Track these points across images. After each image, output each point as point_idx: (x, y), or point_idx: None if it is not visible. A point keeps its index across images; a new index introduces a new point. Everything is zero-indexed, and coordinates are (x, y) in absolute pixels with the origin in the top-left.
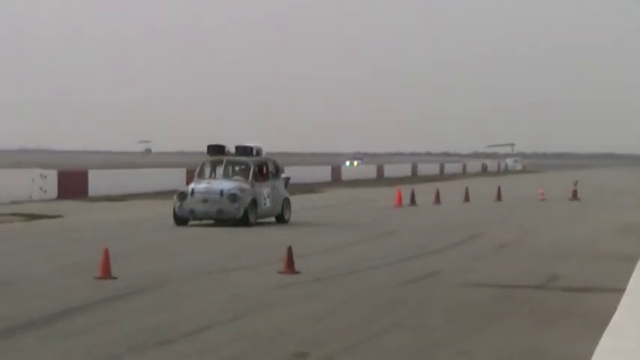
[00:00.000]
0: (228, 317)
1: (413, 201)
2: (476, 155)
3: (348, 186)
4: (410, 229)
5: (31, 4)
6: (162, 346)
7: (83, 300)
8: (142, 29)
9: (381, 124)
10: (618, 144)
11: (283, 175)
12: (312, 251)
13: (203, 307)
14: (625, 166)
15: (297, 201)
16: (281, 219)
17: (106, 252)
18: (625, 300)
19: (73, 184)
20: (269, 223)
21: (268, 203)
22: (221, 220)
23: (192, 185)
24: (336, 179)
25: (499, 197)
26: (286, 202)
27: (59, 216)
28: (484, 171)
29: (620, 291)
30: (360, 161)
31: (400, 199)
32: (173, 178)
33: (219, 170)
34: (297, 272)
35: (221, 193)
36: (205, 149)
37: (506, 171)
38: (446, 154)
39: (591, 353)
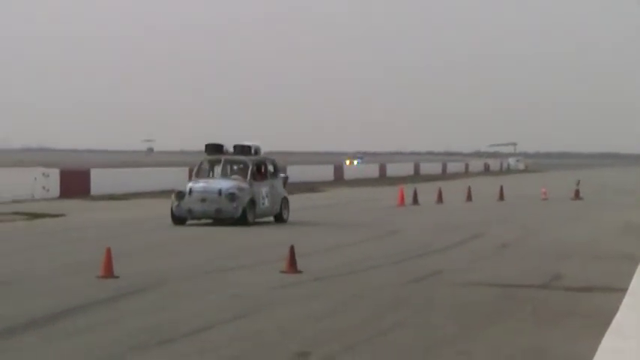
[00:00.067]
0: (230, 317)
1: (415, 200)
2: (478, 154)
3: (350, 185)
4: (412, 228)
5: (33, 4)
6: (163, 345)
7: (85, 299)
8: (145, 28)
9: (384, 123)
10: (621, 144)
11: (282, 175)
12: (313, 250)
13: (205, 307)
14: (627, 166)
15: (299, 200)
16: (279, 218)
17: (109, 251)
18: (627, 300)
19: (75, 183)
20: (268, 223)
21: (267, 203)
22: (219, 220)
23: (190, 184)
24: (339, 178)
25: (501, 197)
26: (285, 202)
27: (61, 215)
28: (486, 170)
29: (623, 290)
30: (359, 160)
31: (403, 199)
32: (175, 177)
33: (218, 169)
34: (300, 272)
35: (219, 192)
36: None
37: (509, 170)
38: (448, 154)
39: (593, 353)
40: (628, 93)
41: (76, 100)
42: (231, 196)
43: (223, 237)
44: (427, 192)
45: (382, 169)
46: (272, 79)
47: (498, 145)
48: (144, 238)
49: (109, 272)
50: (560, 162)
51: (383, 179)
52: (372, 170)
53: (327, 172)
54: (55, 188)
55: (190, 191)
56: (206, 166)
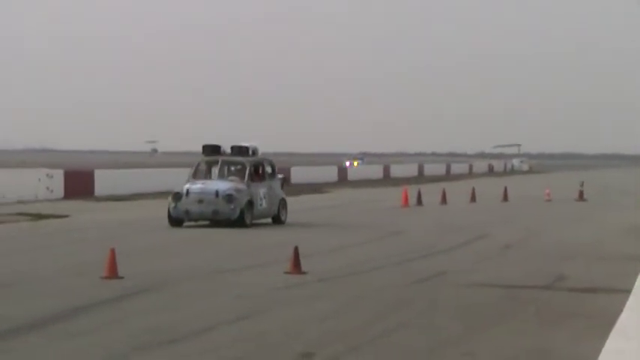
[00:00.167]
0: (234, 317)
1: (419, 201)
2: (482, 155)
3: (354, 186)
4: (416, 229)
5: (36, 4)
6: (167, 345)
7: (89, 300)
8: (149, 29)
9: (388, 124)
10: (625, 144)
11: (279, 176)
12: (316, 251)
13: (208, 307)
14: (631, 167)
15: (302, 201)
16: (277, 220)
17: (113, 252)
18: (631, 301)
19: (79, 183)
20: (265, 224)
21: (264, 204)
22: (216, 221)
23: (187, 186)
24: (343, 179)
25: (505, 198)
26: (282, 203)
27: (65, 216)
28: (490, 171)
29: (627, 292)
30: (360, 161)
31: (406, 199)
32: (179, 178)
33: (215, 170)
34: (304, 272)
35: (216, 193)
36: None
37: (513, 171)
38: (452, 155)
39: (597, 354)
40: (632, 94)
41: (81, 100)
42: (229, 198)
43: (224, 238)
44: (431, 193)
45: (386, 170)
46: (277, 79)
47: (503, 146)
48: (147, 239)
49: (113, 273)
50: (564, 163)
51: (387, 180)
52: (376, 171)
53: (330, 173)
54: (59, 189)
55: (187, 192)
56: (203, 167)
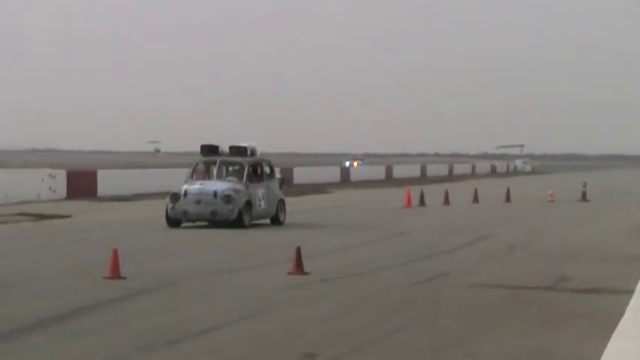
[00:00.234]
0: (237, 317)
1: (422, 202)
2: (485, 156)
3: (356, 187)
4: (419, 229)
5: (36, 4)
6: (170, 346)
7: (92, 300)
8: (152, 29)
9: (390, 124)
10: (628, 145)
11: (278, 176)
12: (318, 252)
13: (211, 308)
14: (635, 168)
15: (305, 202)
16: (276, 221)
17: (115, 252)
18: (634, 302)
19: (82, 184)
20: (264, 225)
21: (263, 204)
22: (215, 222)
23: (185, 186)
24: (345, 180)
25: (508, 198)
26: (281, 204)
27: (68, 216)
28: (493, 172)
29: (629, 292)
30: (360, 162)
31: (409, 200)
32: (182, 179)
33: (213, 171)
34: (307, 273)
35: (215, 194)
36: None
37: (516, 172)
38: (455, 155)
39: (600, 355)
40: (634, 94)
41: (84, 100)
42: (227, 198)
43: (224, 239)
44: (434, 193)
45: (389, 170)
46: (281, 80)
47: (506, 146)
48: (150, 239)
49: (115, 273)
50: (567, 164)
51: (389, 181)
52: (379, 172)
53: (333, 174)
54: (61, 189)
55: (185, 193)
56: (201, 167)
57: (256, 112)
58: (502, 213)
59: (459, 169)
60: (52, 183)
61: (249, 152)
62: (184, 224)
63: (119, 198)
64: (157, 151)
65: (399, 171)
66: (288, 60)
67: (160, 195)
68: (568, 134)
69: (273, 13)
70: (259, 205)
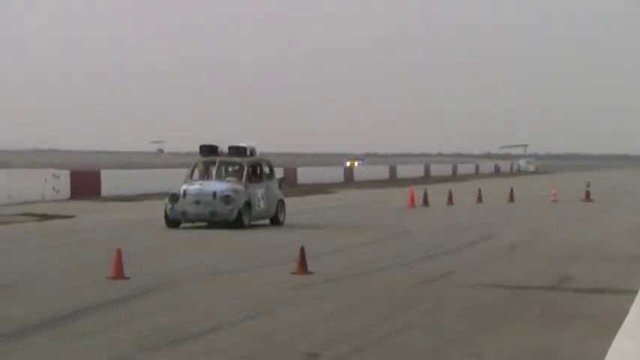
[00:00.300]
0: (241, 317)
1: (425, 202)
2: (488, 156)
3: (360, 187)
4: (422, 229)
5: (42, 4)
6: (174, 345)
7: (95, 300)
8: (155, 29)
9: (393, 124)
10: (631, 145)
11: (277, 176)
12: (321, 252)
13: (215, 308)
14: (637, 168)
15: (308, 202)
16: (275, 221)
17: (119, 252)
18: (638, 301)
19: (85, 184)
20: (263, 226)
21: (262, 205)
22: (214, 223)
23: (184, 187)
24: (349, 180)
25: (512, 198)
26: (281, 204)
27: (71, 216)
28: (497, 172)
29: (633, 292)
30: (360, 162)
31: (413, 200)
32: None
33: (212, 171)
34: (310, 273)
35: (214, 194)
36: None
37: (519, 172)
38: (458, 155)
39: (604, 355)
40: (637, 94)
41: (87, 101)
42: (226, 199)
43: (226, 240)
44: (437, 193)
45: (392, 170)
46: (284, 80)
47: (509, 146)
48: (154, 239)
49: (119, 273)
50: (571, 163)
51: (393, 181)
52: (382, 172)
53: (336, 174)
54: (65, 189)
55: (184, 193)
56: (200, 167)
57: (256, 112)
58: (506, 213)
59: (463, 169)
60: (55, 183)
61: (248, 152)
62: (183, 225)
63: (122, 198)
64: (161, 151)
65: (403, 171)
66: (288, 60)
67: (164, 195)
68: (571, 134)
69: (273, 13)
70: (259, 206)
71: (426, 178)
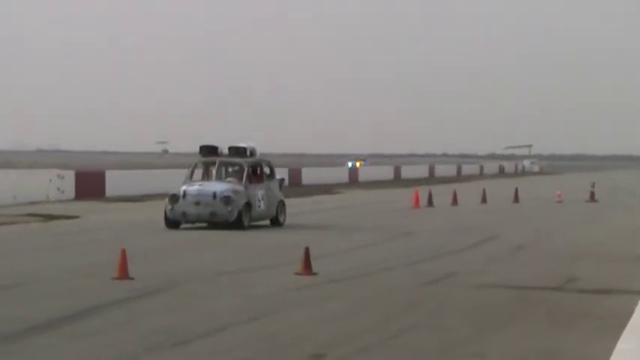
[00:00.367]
0: (245, 318)
1: (430, 202)
2: (493, 157)
3: (365, 187)
4: (427, 230)
5: (48, 5)
6: (178, 346)
7: (100, 300)
8: (159, 30)
9: (397, 125)
10: (635, 146)
11: (278, 177)
12: (325, 253)
13: (219, 308)
14: None
15: (312, 202)
16: (276, 222)
17: (123, 252)
18: None
19: (90, 184)
20: (264, 226)
21: (262, 206)
22: (214, 223)
23: (184, 187)
24: (353, 180)
25: (516, 199)
26: (281, 205)
27: (76, 216)
28: (501, 172)
29: (638, 293)
30: (363, 162)
31: (417, 201)
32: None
33: (212, 172)
34: (315, 273)
35: (214, 195)
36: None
37: (524, 172)
38: (463, 156)
39: (608, 355)
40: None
41: (92, 101)
42: (226, 200)
43: (228, 240)
44: (442, 194)
45: (397, 171)
46: (286, 80)
47: (514, 147)
48: (158, 239)
49: (123, 274)
50: (575, 164)
51: (397, 181)
52: (387, 172)
53: (341, 174)
54: (70, 190)
55: (184, 194)
56: (200, 168)
57: (256, 112)
58: (510, 213)
59: (467, 169)
60: (60, 183)
61: (248, 153)
62: (183, 225)
63: (127, 198)
64: (165, 151)
65: (407, 171)
66: (289, 60)
67: (167, 196)
68: (575, 135)
69: (273, 13)
70: (259, 206)
71: (431, 179)
